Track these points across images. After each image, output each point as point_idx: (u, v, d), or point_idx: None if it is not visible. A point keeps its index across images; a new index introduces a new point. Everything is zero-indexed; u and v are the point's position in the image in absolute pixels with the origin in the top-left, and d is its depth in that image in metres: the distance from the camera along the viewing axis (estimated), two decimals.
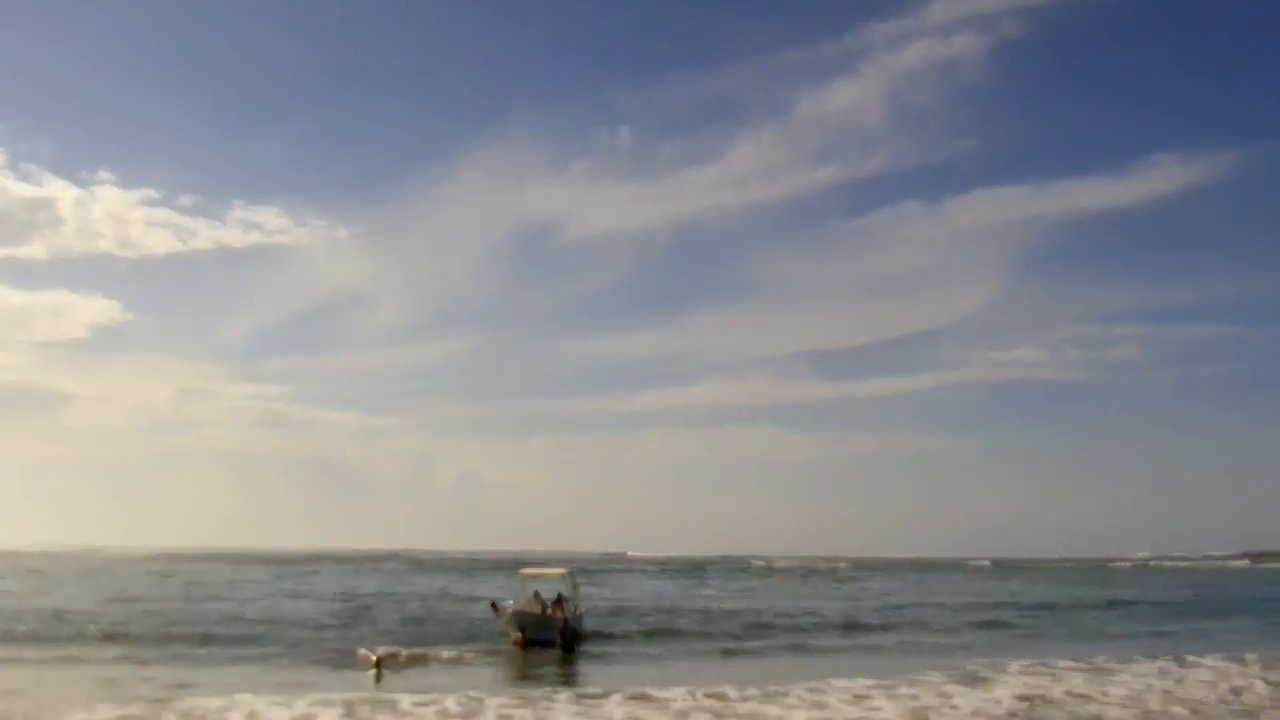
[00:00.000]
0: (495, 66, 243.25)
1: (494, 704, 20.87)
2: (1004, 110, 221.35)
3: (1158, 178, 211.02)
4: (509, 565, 71.92)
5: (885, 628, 43.72)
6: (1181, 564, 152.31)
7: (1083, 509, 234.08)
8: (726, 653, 34.40)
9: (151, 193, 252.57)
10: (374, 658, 28.76)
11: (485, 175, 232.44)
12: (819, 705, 21.10)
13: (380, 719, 19.59)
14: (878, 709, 20.85)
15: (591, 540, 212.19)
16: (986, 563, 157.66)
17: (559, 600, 36.68)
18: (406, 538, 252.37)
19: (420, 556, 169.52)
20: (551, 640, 33.83)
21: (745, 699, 21.59)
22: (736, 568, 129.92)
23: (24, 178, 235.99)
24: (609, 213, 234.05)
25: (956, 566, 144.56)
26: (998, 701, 22.15)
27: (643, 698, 21.59)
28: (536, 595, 37.38)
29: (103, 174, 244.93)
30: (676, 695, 21.69)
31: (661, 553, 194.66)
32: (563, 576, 39.45)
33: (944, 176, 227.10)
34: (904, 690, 23.15)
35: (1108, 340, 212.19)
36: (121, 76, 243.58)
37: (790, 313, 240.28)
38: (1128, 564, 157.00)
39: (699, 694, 21.95)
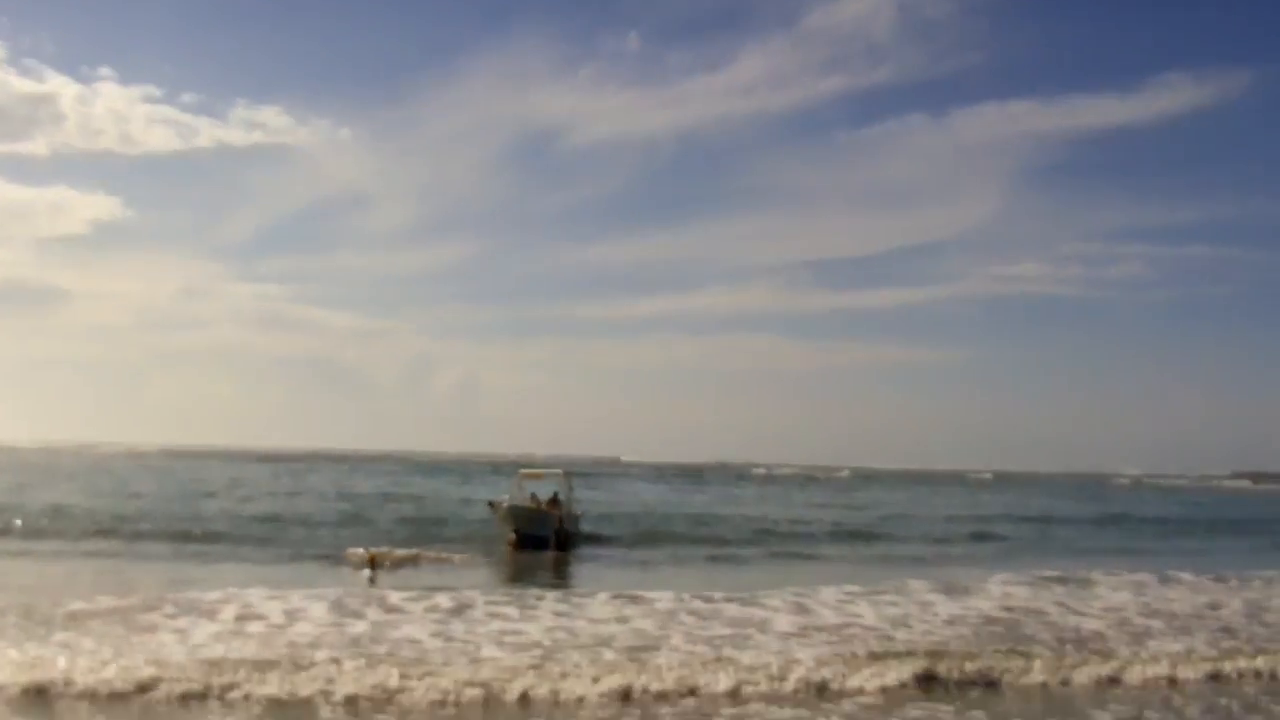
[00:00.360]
0: None
1: (483, 600, 21.21)
2: (1014, 24, 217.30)
3: (1168, 96, 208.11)
4: (506, 468, 72.56)
5: (877, 537, 44.28)
6: (1179, 482, 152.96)
7: (1081, 425, 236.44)
8: (717, 558, 34.94)
9: (153, 90, 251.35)
10: (369, 556, 29.21)
11: (490, 78, 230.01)
12: (802, 610, 21.45)
13: (369, 611, 19.90)
14: (858, 615, 21.21)
15: (589, 444, 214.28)
16: (989, 475, 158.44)
17: (554, 500, 37.34)
18: (404, 439, 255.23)
19: (417, 458, 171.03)
20: (546, 537, 34.38)
21: (730, 600, 21.93)
22: (735, 475, 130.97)
23: (25, 73, 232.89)
24: (614, 118, 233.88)
25: (956, 478, 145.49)
26: (978, 610, 22.57)
27: (629, 598, 21.94)
28: (533, 496, 37.91)
29: (104, 70, 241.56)
30: (663, 597, 22.01)
31: (660, 459, 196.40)
32: (559, 477, 40.10)
33: (951, 89, 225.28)
34: (886, 597, 23.51)
35: (1110, 258, 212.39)
36: None
37: (793, 222, 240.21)
38: (1125, 480, 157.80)
39: (685, 596, 22.28)
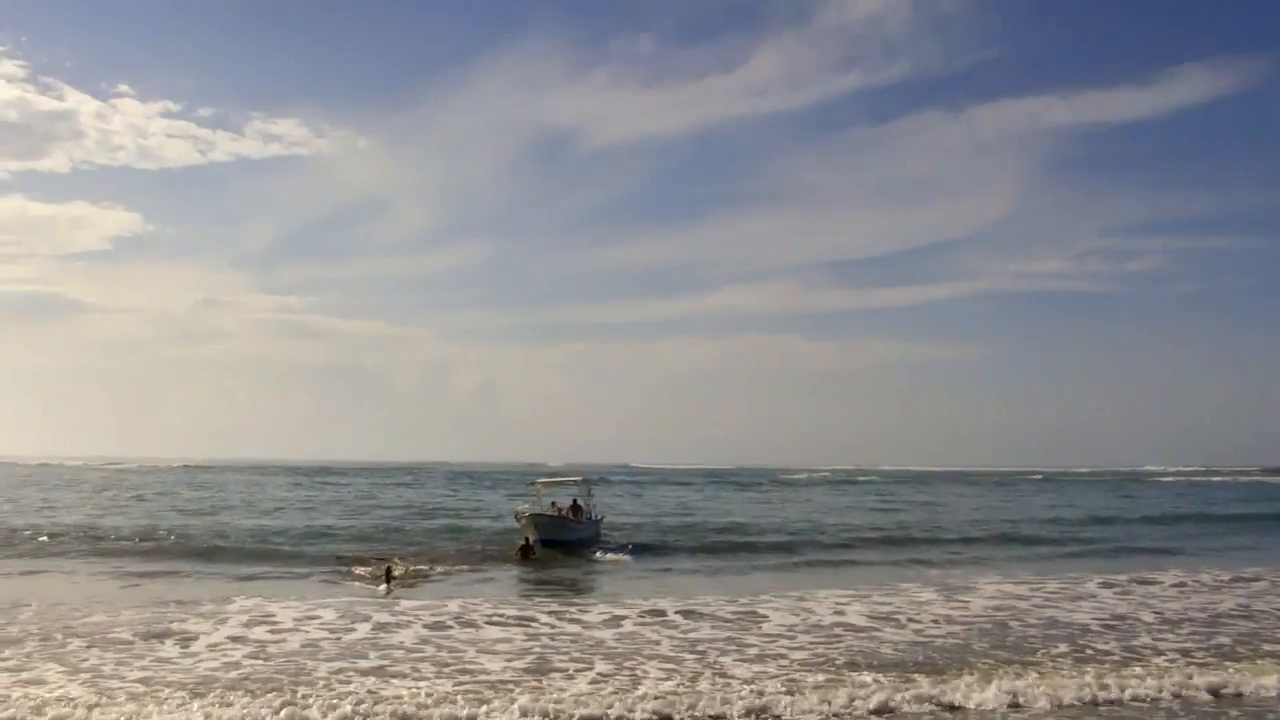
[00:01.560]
0: None
1: (487, 610, 22.05)
2: (1029, 18, 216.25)
3: (1185, 88, 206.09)
4: (527, 477, 72.85)
5: (890, 542, 43.80)
6: (1216, 478, 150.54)
7: (1106, 420, 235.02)
8: (724, 567, 35.05)
9: (171, 105, 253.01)
10: (385, 567, 29.80)
11: (505, 82, 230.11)
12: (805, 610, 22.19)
13: (378, 618, 20.77)
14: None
15: (607, 449, 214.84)
16: (1038, 476, 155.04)
17: (575, 507, 39.09)
18: (425, 446, 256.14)
19: (438, 467, 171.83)
20: (566, 541, 35.94)
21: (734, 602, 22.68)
22: (757, 479, 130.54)
23: (45, 90, 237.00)
24: (630, 120, 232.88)
25: (1004, 478, 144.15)
26: (967, 606, 23.35)
27: (634, 608, 22.77)
28: (554, 504, 39.25)
29: (122, 87, 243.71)
30: (663, 605, 22.70)
31: (678, 463, 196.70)
32: (579, 484, 42.18)
33: (967, 85, 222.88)
34: (878, 596, 24.29)
35: (1131, 251, 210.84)
36: None
37: (811, 221, 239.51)
38: (1167, 477, 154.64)
39: (711, 599, 23.28)
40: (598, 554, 35.48)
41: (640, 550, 37.99)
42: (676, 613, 22.29)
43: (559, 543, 35.79)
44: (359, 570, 30.62)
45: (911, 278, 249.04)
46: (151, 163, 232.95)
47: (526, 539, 35.59)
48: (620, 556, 35.19)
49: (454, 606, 22.67)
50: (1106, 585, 27.68)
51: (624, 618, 21.63)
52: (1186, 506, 73.08)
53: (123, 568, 31.00)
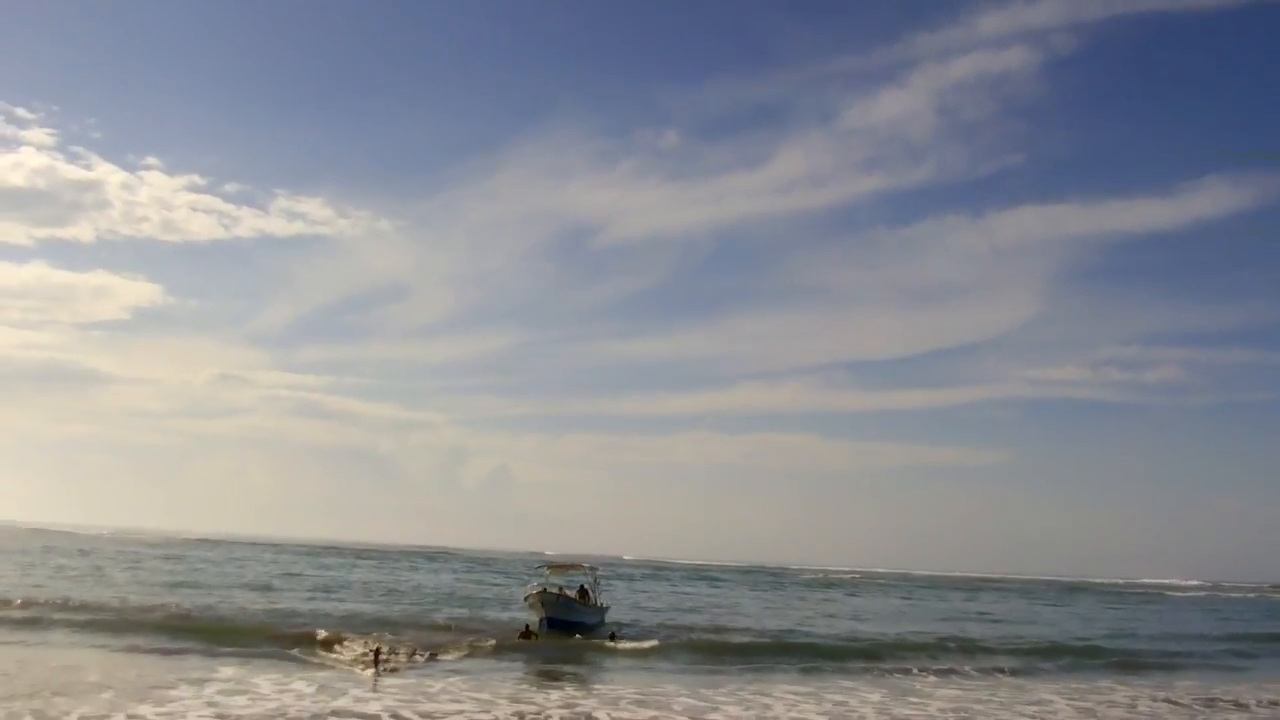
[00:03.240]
0: (542, 62, 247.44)
1: (477, 696, 22.97)
2: (1053, 126, 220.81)
3: (1206, 200, 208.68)
4: (534, 563, 73.01)
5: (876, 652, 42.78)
6: (1241, 594, 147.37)
7: (1119, 530, 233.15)
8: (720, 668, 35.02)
9: (197, 179, 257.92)
10: (374, 650, 30.14)
11: (529, 171, 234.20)
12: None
13: (355, 693, 21.78)
14: None
15: (620, 543, 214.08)
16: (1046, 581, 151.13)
17: (583, 591, 40.90)
18: (437, 532, 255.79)
19: (448, 551, 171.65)
20: (571, 623, 37.11)
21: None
22: (763, 577, 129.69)
23: (73, 160, 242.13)
24: (651, 214, 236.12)
25: (1028, 586, 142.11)
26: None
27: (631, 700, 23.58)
28: (561, 589, 40.08)
29: (150, 159, 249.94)
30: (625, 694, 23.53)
31: (688, 558, 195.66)
32: (586, 571, 43.92)
33: (989, 190, 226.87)
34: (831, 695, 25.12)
35: (1149, 361, 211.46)
36: (172, 63, 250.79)
37: (830, 321, 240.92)
38: (1193, 592, 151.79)
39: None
40: (602, 638, 36.53)
41: (641, 637, 38.12)
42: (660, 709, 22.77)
43: (565, 623, 36.88)
44: (348, 651, 31.01)
45: (929, 381, 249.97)
46: (175, 235, 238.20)
47: (528, 625, 36.83)
48: (625, 644, 35.77)
49: (436, 687, 23.52)
50: None
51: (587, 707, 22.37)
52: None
53: (111, 642, 31.28)
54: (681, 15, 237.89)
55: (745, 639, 41.64)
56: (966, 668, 34.49)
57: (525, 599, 39.86)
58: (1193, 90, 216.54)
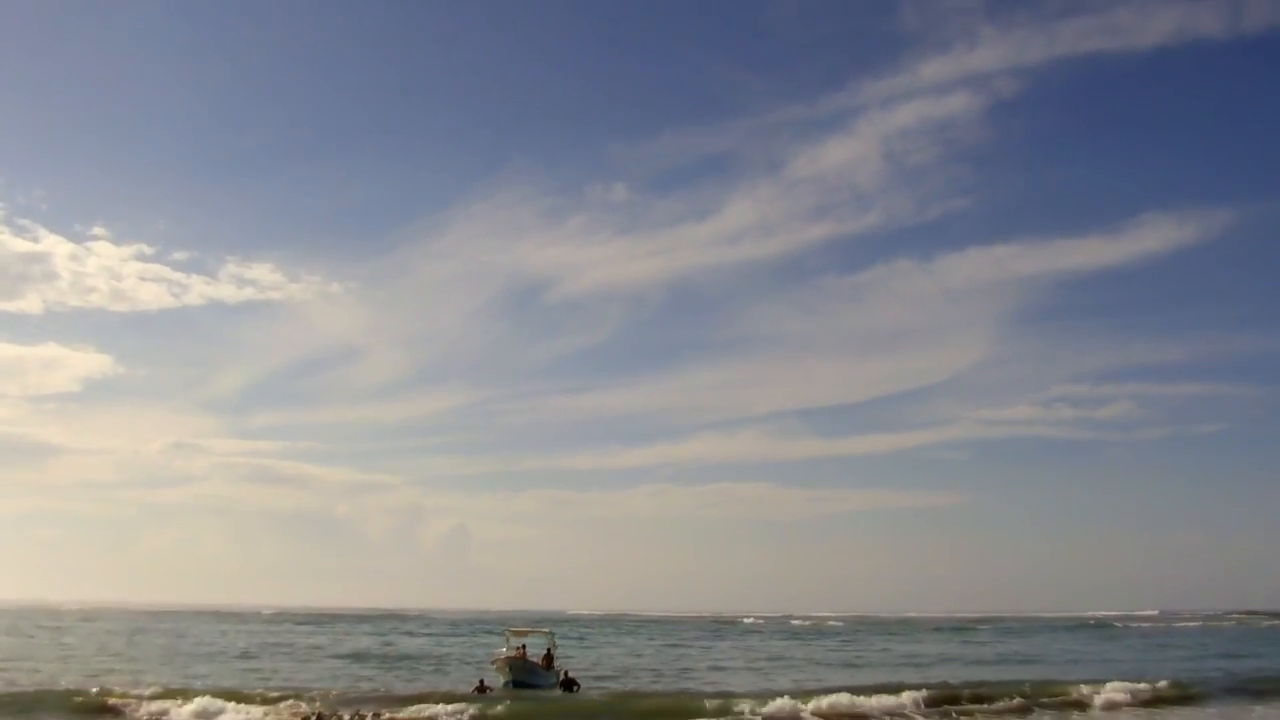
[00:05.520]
0: (490, 121, 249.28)
1: None
2: (998, 169, 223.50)
3: (1150, 236, 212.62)
4: (486, 624, 73.31)
5: None
6: (1193, 623, 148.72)
7: (1076, 567, 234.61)
8: None
9: (145, 248, 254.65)
10: (316, 712, 30.33)
11: (480, 229, 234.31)
12: None
13: None
14: None
15: (581, 598, 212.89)
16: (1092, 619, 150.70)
17: (548, 655, 43.56)
18: (394, 594, 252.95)
19: (406, 613, 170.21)
20: (533, 685, 40.07)
21: None
22: (722, 626, 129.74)
23: (19, 232, 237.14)
24: (603, 268, 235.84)
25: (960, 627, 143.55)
26: None
27: None
28: (521, 649, 42.97)
29: (97, 229, 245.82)
30: None
31: (645, 610, 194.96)
32: (545, 635, 47.07)
33: (937, 234, 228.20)
34: None
35: (1100, 398, 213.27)
36: (117, 132, 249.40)
37: (783, 369, 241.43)
38: (1143, 623, 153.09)
39: None
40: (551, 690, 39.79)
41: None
42: None
43: (527, 685, 39.89)
44: (291, 713, 31.24)
45: (883, 425, 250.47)
46: (125, 305, 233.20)
47: (482, 680, 39.03)
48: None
49: None
50: None
51: None
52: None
53: None
54: (631, 67, 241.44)
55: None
56: None
57: (493, 663, 42.64)
58: (1134, 129, 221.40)
